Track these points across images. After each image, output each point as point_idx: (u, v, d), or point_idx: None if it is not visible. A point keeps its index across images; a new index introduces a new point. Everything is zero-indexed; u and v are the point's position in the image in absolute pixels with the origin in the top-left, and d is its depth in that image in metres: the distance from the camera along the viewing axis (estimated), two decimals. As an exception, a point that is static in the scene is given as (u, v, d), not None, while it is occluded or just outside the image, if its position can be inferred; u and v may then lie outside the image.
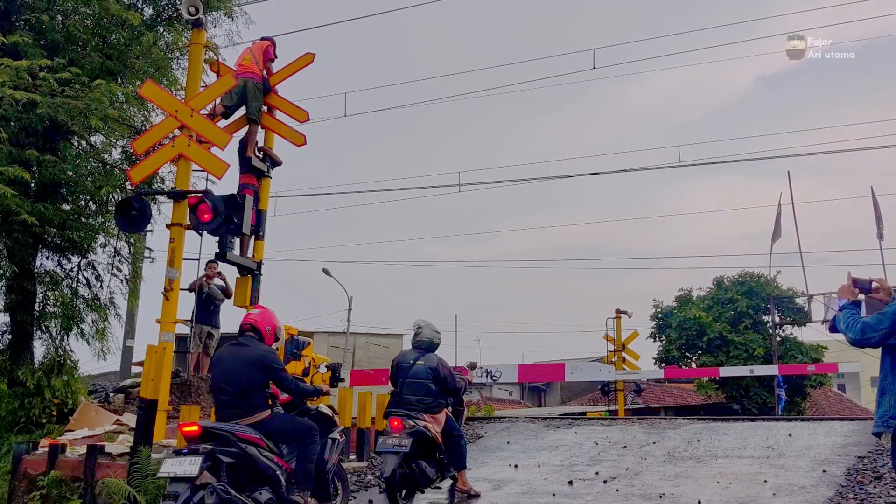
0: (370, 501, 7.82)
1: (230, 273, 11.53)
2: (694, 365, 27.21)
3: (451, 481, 7.71)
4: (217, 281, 12.58)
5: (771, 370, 21.75)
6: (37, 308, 10.42)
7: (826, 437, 10.50)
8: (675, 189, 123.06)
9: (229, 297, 12.43)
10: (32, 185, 9.75)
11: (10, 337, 10.34)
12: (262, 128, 10.49)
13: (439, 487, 7.67)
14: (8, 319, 10.39)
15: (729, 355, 25.74)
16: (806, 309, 25.49)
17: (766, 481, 8.00)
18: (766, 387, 25.21)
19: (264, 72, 10.39)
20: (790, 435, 10.75)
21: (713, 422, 12.88)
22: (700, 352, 26.95)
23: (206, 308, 12.43)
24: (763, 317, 26.62)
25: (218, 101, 9.79)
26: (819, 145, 76.68)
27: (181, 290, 8.80)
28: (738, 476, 8.36)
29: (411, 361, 7.49)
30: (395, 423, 7.03)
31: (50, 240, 10.40)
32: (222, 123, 10.01)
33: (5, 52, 9.25)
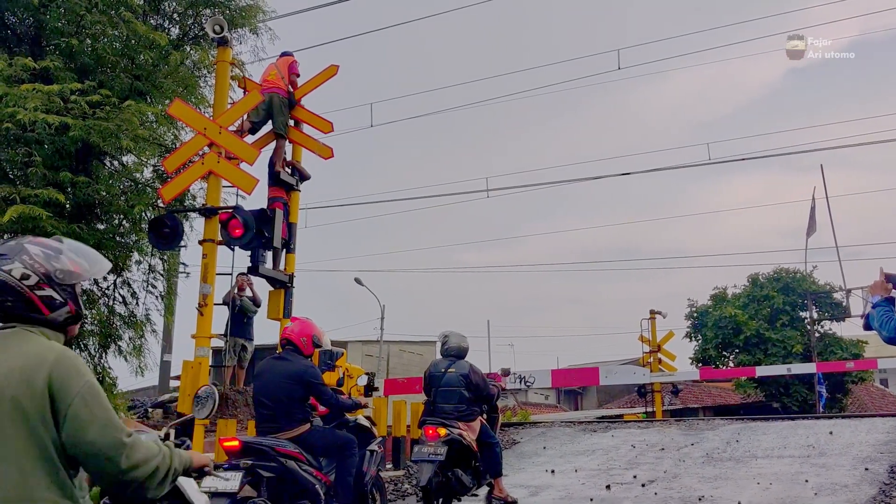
0: (408, 510, 7.85)
1: (262, 286, 11.63)
2: (731, 364, 26.91)
3: (488, 489, 7.71)
4: (247, 292, 12.73)
5: (808, 368, 21.40)
6: (75, 327, 10.56)
7: (868, 434, 10.34)
8: (706, 187, 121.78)
9: (259, 306, 12.57)
10: (67, 206, 9.91)
11: (50, 356, 10.49)
12: (290, 142, 10.59)
13: (476, 495, 7.68)
14: (47, 339, 10.53)
15: (767, 353, 25.40)
16: (844, 304, 25.11)
17: (807, 481, 7.90)
18: (807, 384, 24.83)
19: (290, 86, 10.49)
20: (831, 433, 10.59)
21: (752, 421, 12.74)
22: (737, 350, 26.66)
23: (240, 321, 12.58)
24: (800, 313, 26.29)
25: (245, 117, 9.91)
26: (853, 137, 75.40)
27: (215, 304, 8.89)
28: (778, 476, 8.26)
29: (443, 370, 7.50)
30: (431, 431, 7.05)
31: (86, 260, 10.54)
32: (250, 139, 10.12)
33: (37, 77, 9.42)
